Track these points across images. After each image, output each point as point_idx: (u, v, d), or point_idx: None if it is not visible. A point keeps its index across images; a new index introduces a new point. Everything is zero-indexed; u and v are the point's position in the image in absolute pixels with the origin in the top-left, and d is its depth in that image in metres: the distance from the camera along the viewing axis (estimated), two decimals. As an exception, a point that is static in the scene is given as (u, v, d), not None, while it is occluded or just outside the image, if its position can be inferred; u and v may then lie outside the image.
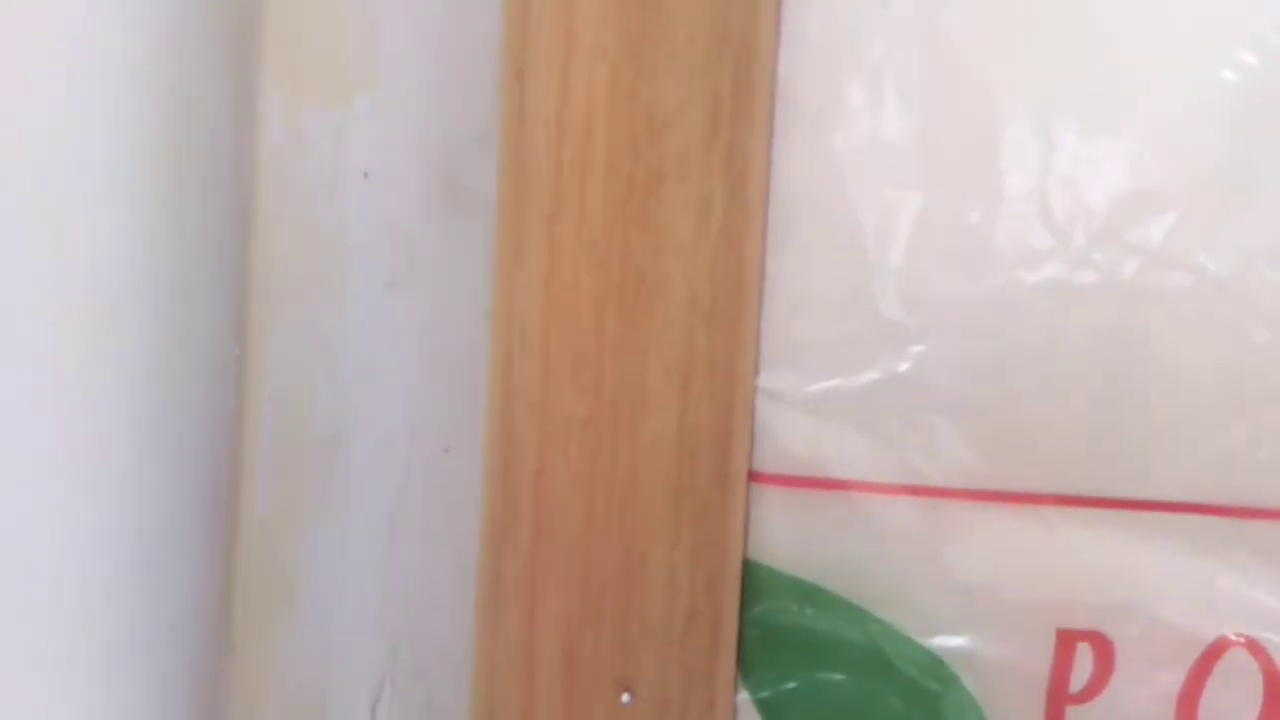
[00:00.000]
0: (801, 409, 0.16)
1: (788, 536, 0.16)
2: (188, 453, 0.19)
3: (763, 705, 0.16)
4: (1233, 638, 0.15)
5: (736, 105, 0.16)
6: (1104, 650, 0.15)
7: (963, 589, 0.16)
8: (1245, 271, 0.15)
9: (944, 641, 0.16)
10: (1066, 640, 0.15)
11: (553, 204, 0.16)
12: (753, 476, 0.16)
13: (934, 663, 0.16)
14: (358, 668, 0.20)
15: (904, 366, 0.16)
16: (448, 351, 0.19)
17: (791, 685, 0.16)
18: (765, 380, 0.16)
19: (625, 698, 0.16)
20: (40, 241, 0.18)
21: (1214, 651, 0.15)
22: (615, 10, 0.16)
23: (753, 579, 0.16)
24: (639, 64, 0.16)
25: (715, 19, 0.16)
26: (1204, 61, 0.15)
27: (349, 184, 0.19)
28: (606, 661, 0.16)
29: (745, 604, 0.16)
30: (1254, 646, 0.15)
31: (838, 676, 0.16)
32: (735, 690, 0.16)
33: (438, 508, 0.19)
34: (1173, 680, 0.15)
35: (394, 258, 0.20)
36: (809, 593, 0.16)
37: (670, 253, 0.16)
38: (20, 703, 0.17)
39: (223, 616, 0.20)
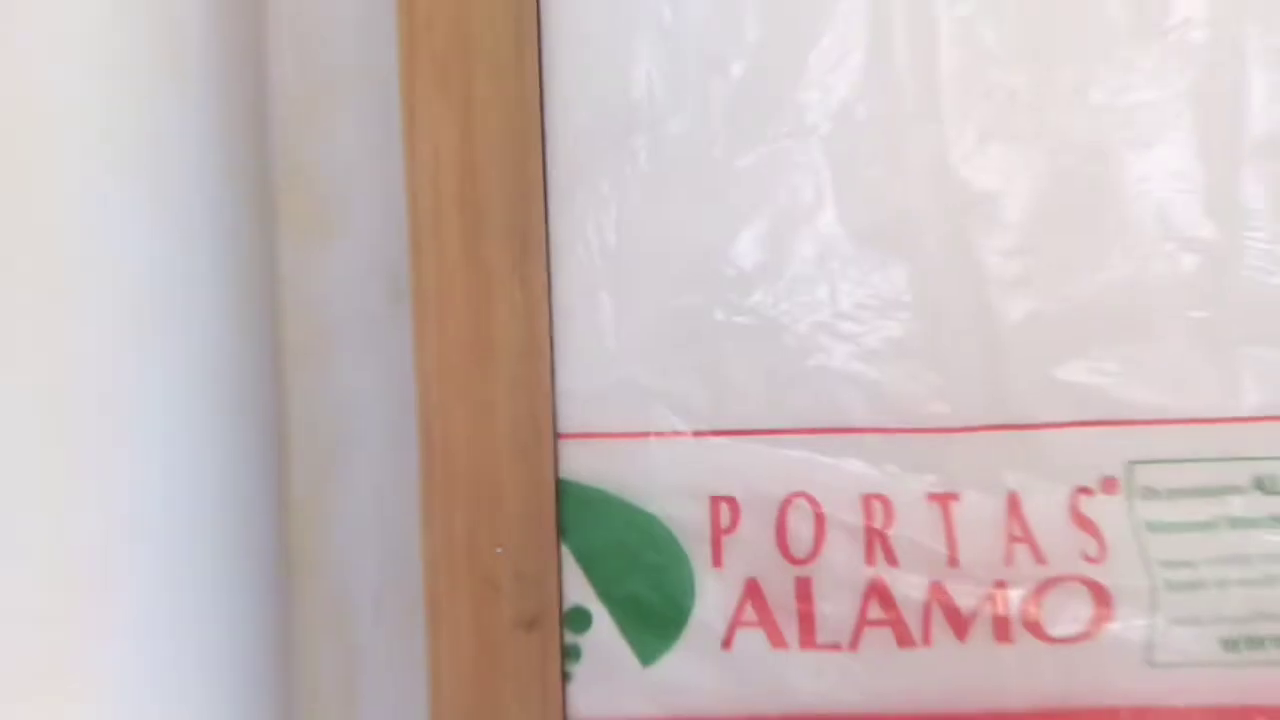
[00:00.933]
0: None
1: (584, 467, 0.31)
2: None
3: (577, 553, 0.31)
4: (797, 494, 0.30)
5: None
6: (734, 506, 0.30)
7: (667, 485, 0.30)
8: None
9: (659, 509, 0.30)
10: (714, 502, 0.30)
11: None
12: (559, 436, 0.31)
13: (655, 521, 0.30)
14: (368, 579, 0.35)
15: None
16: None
17: (594, 542, 0.31)
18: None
19: (499, 550, 0.30)
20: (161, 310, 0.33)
21: (786, 503, 0.30)
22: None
23: (565, 489, 0.31)
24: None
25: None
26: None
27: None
28: (488, 535, 0.30)
29: (561, 499, 0.30)
30: (811, 500, 0.30)
31: (615, 533, 0.30)
32: (559, 546, 0.31)
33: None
34: (769, 519, 0.30)
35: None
36: (594, 493, 0.31)
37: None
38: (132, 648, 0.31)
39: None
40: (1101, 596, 0.30)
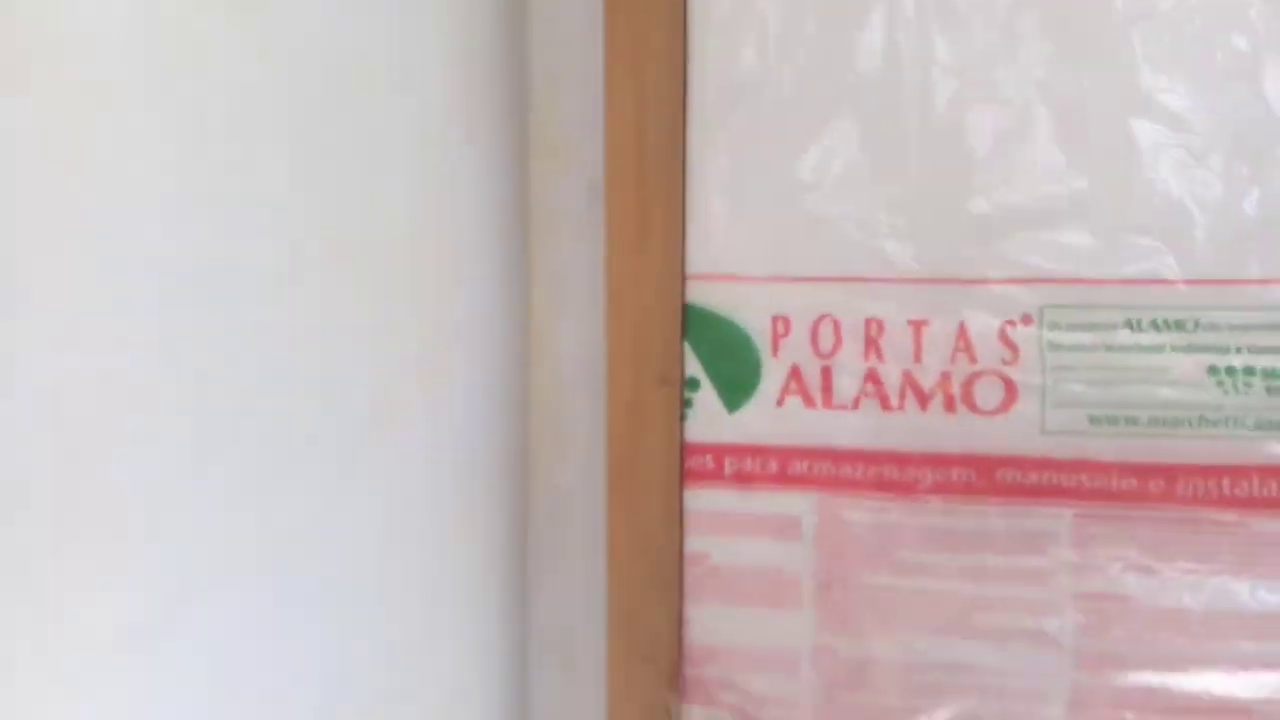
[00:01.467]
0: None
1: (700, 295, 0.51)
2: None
3: (694, 346, 0.51)
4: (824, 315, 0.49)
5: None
6: (786, 322, 0.50)
7: (748, 307, 0.50)
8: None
9: (743, 321, 0.50)
10: (774, 319, 0.50)
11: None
12: (686, 277, 0.51)
13: (739, 329, 0.50)
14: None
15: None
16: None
17: (703, 340, 0.51)
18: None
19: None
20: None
21: (819, 320, 0.49)
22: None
23: (689, 310, 0.51)
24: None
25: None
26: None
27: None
28: (647, 339, 0.52)
29: (686, 315, 0.51)
30: (833, 320, 0.49)
31: (717, 334, 0.51)
32: (683, 343, 0.52)
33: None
34: (807, 329, 0.49)
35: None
36: (705, 312, 0.51)
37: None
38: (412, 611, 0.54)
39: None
40: (1011, 388, 0.48)
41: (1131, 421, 0.47)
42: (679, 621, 0.53)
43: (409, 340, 0.49)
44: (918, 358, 0.49)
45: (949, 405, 0.49)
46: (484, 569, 0.56)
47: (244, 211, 0.37)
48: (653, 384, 0.52)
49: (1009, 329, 0.48)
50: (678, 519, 0.53)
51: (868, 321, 0.49)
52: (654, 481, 0.53)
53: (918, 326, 0.49)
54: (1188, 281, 0.46)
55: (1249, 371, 0.46)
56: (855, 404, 0.50)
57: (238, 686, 0.38)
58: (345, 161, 0.43)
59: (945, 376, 0.49)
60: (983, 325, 0.48)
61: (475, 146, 0.54)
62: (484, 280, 0.55)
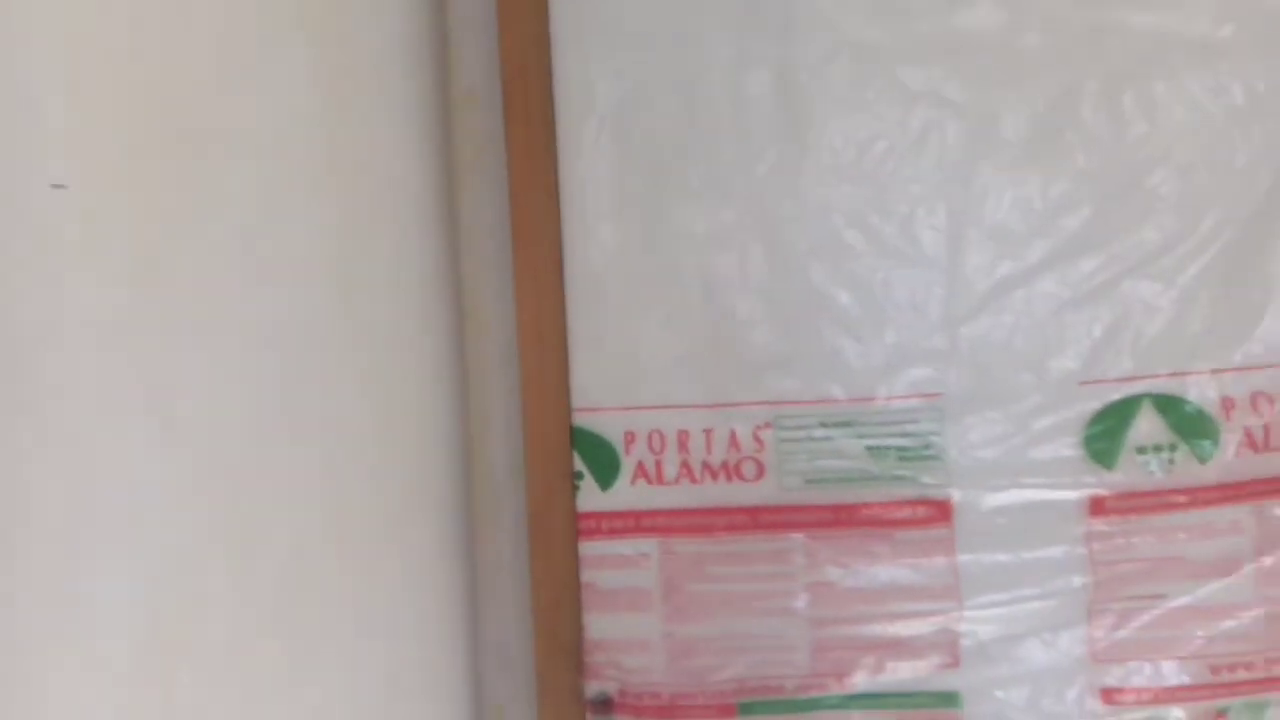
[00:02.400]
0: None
1: (582, 418, 0.86)
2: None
3: (579, 449, 0.85)
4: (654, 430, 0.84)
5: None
6: (633, 436, 0.84)
7: (608, 426, 0.85)
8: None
9: (607, 434, 0.85)
10: (628, 433, 0.84)
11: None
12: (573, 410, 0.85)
13: (605, 439, 0.85)
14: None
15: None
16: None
17: (583, 445, 0.85)
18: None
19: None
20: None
21: (652, 434, 0.84)
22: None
23: (575, 430, 0.85)
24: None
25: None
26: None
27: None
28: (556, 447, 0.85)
29: (573, 433, 0.85)
30: (660, 434, 0.84)
31: (589, 441, 0.85)
32: (572, 449, 0.85)
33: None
34: (645, 441, 0.84)
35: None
36: (582, 429, 0.85)
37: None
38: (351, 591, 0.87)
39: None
40: (761, 466, 0.83)
41: (828, 481, 0.83)
42: (580, 627, 0.86)
43: (368, 449, 0.81)
44: (709, 451, 0.84)
45: (729, 478, 0.84)
46: (447, 600, 0.87)
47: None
48: (556, 476, 0.85)
49: (758, 431, 0.84)
50: (575, 561, 0.86)
51: (679, 432, 0.84)
52: (559, 538, 0.86)
53: (708, 433, 0.84)
54: (850, 400, 0.82)
55: (886, 449, 0.82)
56: (676, 481, 0.84)
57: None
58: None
59: (724, 463, 0.84)
60: (744, 430, 0.84)
61: (432, 339, 0.88)
62: (441, 415, 0.88)
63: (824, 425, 0.84)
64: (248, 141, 0.61)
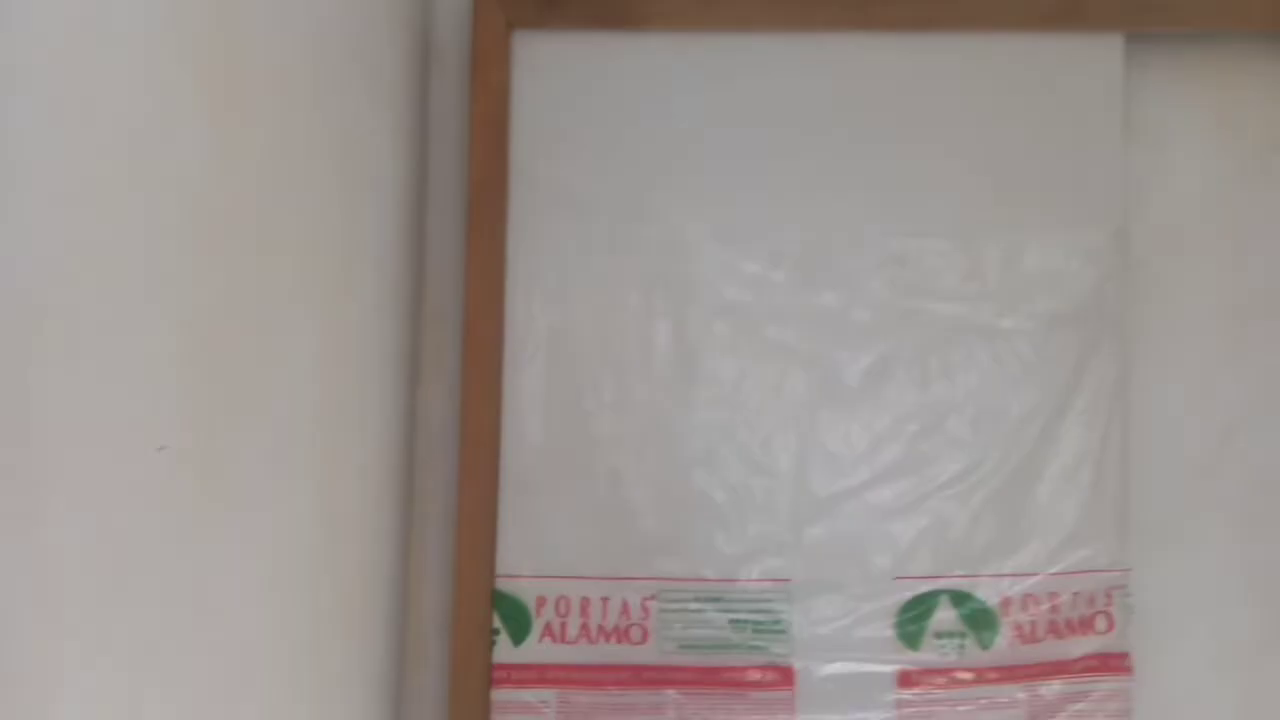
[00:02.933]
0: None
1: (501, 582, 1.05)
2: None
3: (498, 609, 1.04)
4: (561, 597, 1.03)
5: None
6: (542, 600, 1.03)
7: (522, 591, 1.04)
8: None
9: (523, 597, 1.04)
10: (539, 598, 1.03)
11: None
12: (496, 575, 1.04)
13: (520, 601, 1.03)
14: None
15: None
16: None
17: (500, 606, 1.04)
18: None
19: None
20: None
21: (560, 600, 1.03)
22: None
23: (496, 593, 1.04)
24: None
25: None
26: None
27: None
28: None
29: (494, 595, 1.04)
30: (564, 600, 1.03)
31: (506, 603, 1.04)
32: (492, 608, 1.04)
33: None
34: (554, 605, 1.03)
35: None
36: (501, 593, 1.04)
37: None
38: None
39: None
40: (646, 632, 1.03)
41: (698, 647, 1.03)
42: (486, 762, 1.02)
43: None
44: (604, 616, 1.03)
45: (619, 640, 1.03)
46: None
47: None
48: (477, 631, 1.03)
49: (645, 601, 1.04)
50: (487, 706, 1.03)
51: (581, 599, 1.04)
52: (476, 686, 1.04)
53: (604, 601, 1.04)
54: (718, 580, 1.03)
55: (745, 622, 1.03)
56: (576, 641, 1.03)
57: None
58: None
59: (616, 627, 1.03)
60: (634, 600, 1.04)
61: (386, 514, 1.07)
62: (386, 571, 1.06)
63: (697, 600, 1.04)
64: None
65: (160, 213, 0.71)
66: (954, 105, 1.07)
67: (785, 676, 1.03)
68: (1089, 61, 1.07)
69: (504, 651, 1.04)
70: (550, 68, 1.07)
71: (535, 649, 1.04)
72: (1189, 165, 1.10)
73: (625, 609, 1.05)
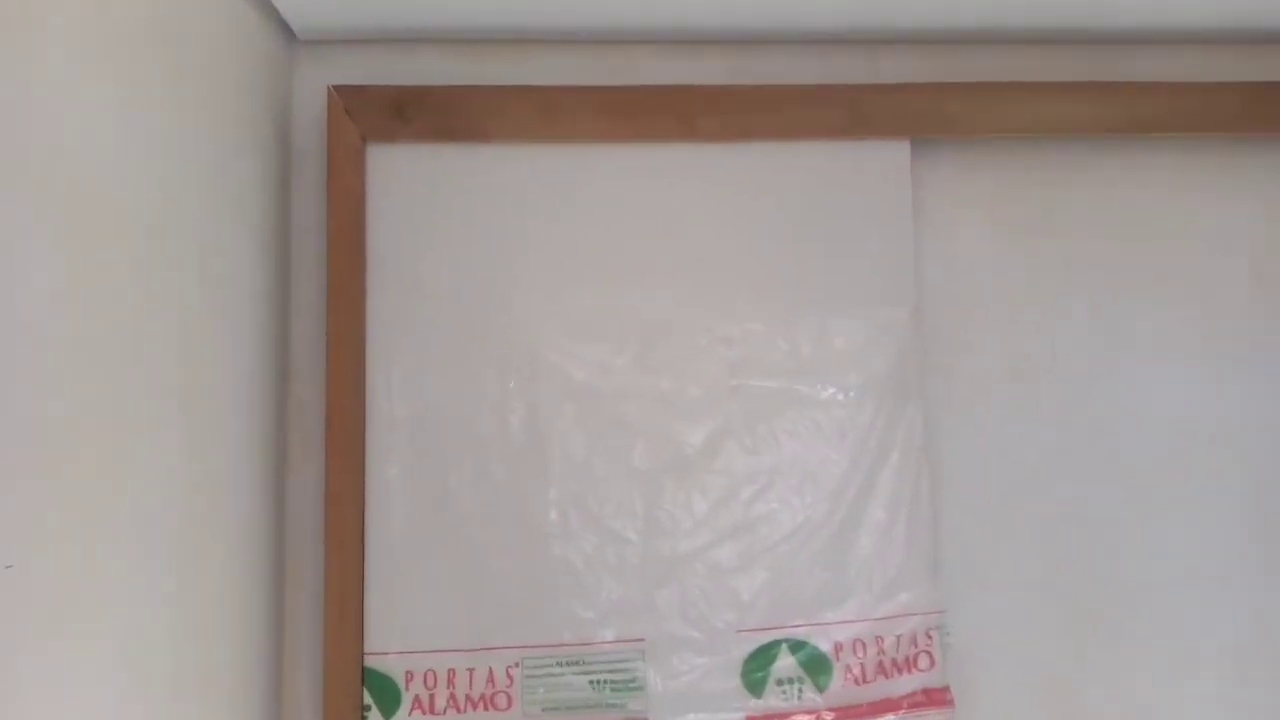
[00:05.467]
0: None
1: (372, 660, 1.09)
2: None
3: (368, 684, 1.08)
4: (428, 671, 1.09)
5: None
6: (411, 675, 1.08)
7: (391, 668, 1.09)
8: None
9: (391, 673, 1.08)
10: (408, 673, 1.08)
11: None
12: (365, 653, 1.09)
13: (388, 677, 1.08)
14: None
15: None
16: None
17: (371, 681, 1.09)
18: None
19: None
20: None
21: (428, 674, 1.08)
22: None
23: (366, 670, 1.09)
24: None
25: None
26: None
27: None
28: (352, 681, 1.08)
29: (365, 671, 1.09)
30: (432, 674, 1.09)
31: (377, 679, 1.08)
32: (362, 684, 1.08)
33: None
34: (422, 679, 1.08)
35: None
36: (371, 670, 1.09)
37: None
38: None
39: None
40: (511, 699, 1.09)
41: (560, 709, 1.09)
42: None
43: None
44: (471, 687, 1.09)
45: (486, 708, 1.09)
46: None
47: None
48: (348, 708, 1.07)
49: (509, 670, 1.10)
50: (357, 780, 1.07)
51: (448, 671, 1.09)
52: (345, 762, 1.07)
53: (470, 671, 1.10)
54: (575, 644, 1.11)
55: (604, 681, 1.10)
56: (445, 712, 1.08)
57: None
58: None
59: (483, 695, 1.09)
60: (498, 668, 1.10)
61: (260, 592, 1.11)
62: (257, 664, 1.09)
63: (558, 664, 1.11)
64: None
65: (11, 341, 0.73)
66: (768, 205, 1.21)
67: (643, 730, 1.11)
68: (880, 163, 1.23)
69: (373, 724, 1.09)
70: (403, 175, 1.17)
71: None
72: (968, 248, 1.27)
73: (491, 677, 1.11)
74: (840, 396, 1.19)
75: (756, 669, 1.13)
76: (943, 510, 1.21)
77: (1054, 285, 1.28)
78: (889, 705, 1.15)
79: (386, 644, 1.10)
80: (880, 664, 1.15)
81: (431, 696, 1.10)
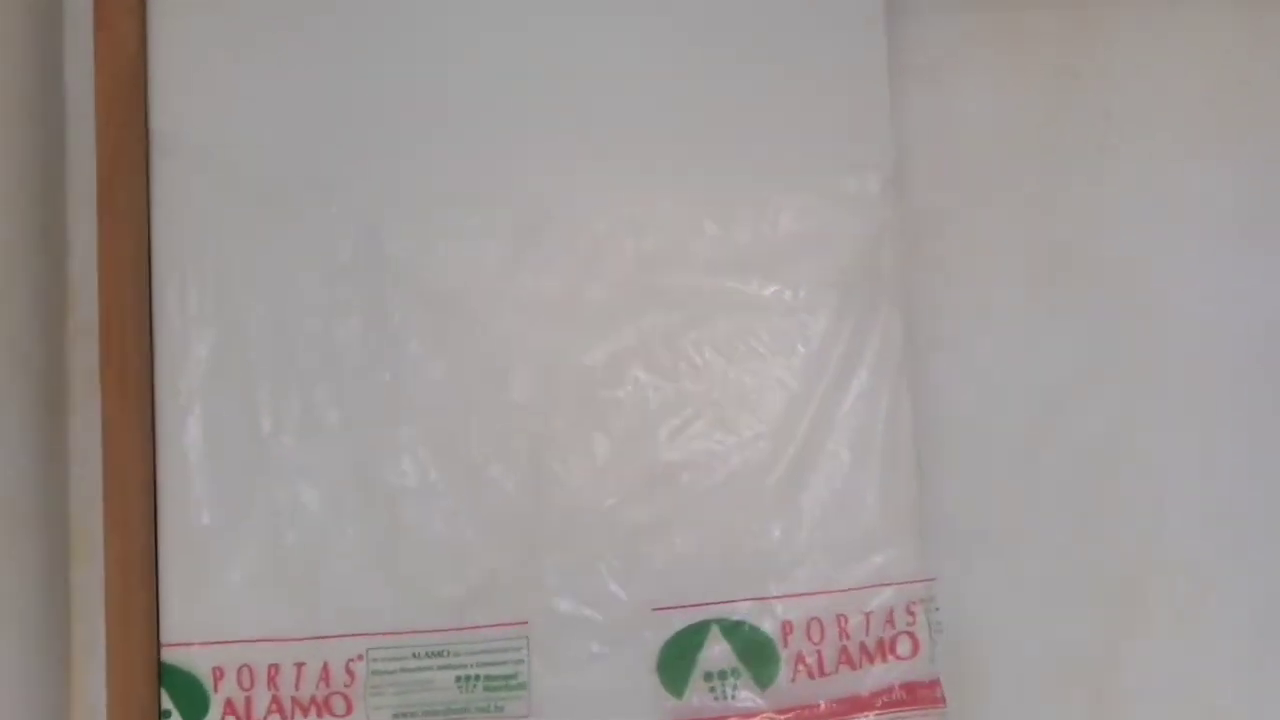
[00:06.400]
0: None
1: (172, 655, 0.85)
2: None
3: (166, 685, 0.84)
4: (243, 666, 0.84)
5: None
6: (221, 671, 0.83)
7: (198, 662, 0.84)
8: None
9: (197, 670, 0.84)
10: (215, 669, 0.83)
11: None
12: (161, 645, 0.84)
13: (194, 676, 0.83)
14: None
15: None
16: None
17: (170, 680, 0.84)
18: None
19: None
20: None
21: (242, 669, 0.83)
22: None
23: (164, 666, 0.84)
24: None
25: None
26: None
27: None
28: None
29: (162, 668, 0.84)
30: (250, 668, 0.84)
31: (177, 678, 0.84)
32: (159, 688, 0.84)
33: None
34: (234, 676, 0.83)
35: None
36: (171, 665, 0.84)
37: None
38: None
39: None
40: (350, 702, 0.83)
41: (418, 714, 0.84)
42: None
43: None
44: (299, 687, 0.84)
45: (320, 714, 0.84)
46: None
47: None
48: (140, 713, 0.83)
49: (349, 665, 0.84)
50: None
51: (269, 666, 0.84)
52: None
53: (298, 667, 0.84)
54: (438, 630, 0.85)
55: (474, 678, 0.84)
56: (266, 719, 0.83)
57: None
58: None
59: (315, 698, 0.84)
60: (336, 663, 0.84)
61: (48, 574, 0.86)
62: (50, 663, 0.86)
63: (415, 656, 0.85)
64: None
65: None
66: (688, 39, 0.89)
67: (523, 741, 0.85)
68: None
69: (172, 732, 0.84)
70: (194, 18, 0.87)
71: (216, 728, 0.84)
72: (970, 97, 0.96)
73: (326, 675, 0.85)
74: (788, 296, 0.89)
75: (677, 659, 0.85)
76: (930, 449, 0.92)
77: (1087, 147, 0.97)
78: (856, 705, 0.87)
79: (189, 633, 0.84)
80: (844, 650, 0.87)
81: (248, 699, 0.84)
